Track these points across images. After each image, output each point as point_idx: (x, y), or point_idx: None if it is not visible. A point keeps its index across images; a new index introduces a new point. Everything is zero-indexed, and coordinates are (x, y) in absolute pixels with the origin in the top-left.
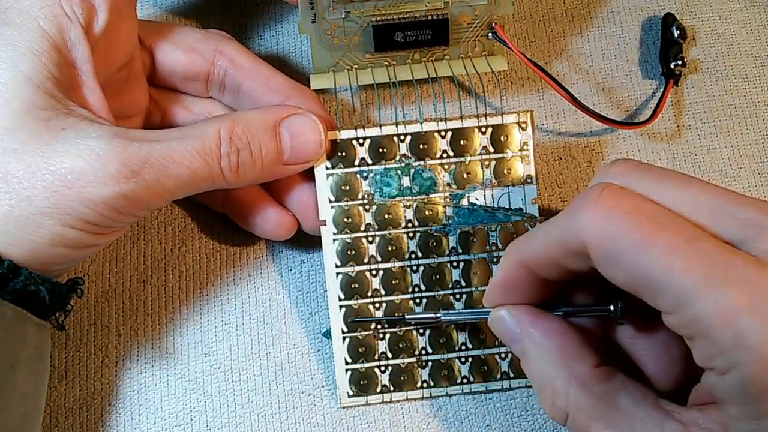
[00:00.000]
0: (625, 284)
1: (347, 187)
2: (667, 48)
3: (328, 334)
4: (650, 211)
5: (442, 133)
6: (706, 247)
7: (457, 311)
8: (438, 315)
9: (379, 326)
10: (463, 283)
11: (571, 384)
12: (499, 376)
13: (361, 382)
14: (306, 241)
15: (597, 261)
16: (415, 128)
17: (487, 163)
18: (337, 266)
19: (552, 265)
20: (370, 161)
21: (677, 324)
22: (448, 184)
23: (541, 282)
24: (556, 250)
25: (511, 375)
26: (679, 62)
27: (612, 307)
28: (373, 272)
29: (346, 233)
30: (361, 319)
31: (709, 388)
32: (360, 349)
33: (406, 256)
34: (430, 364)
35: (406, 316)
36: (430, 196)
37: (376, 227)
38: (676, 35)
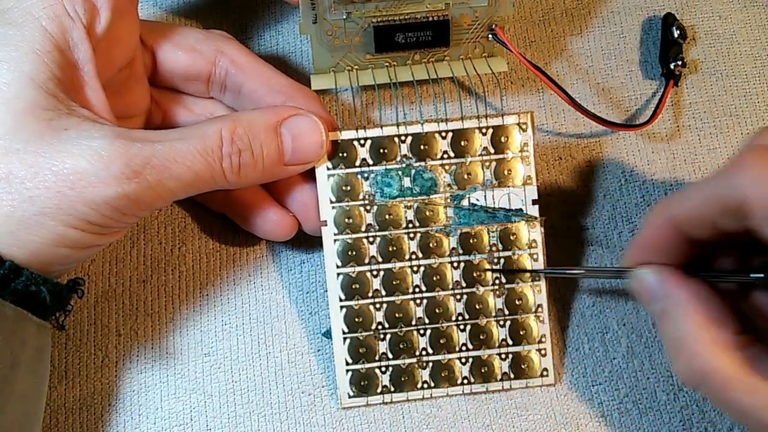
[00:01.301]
0: None
1: (348, 188)
2: (667, 48)
3: (328, 334)
4: None
5: (443, 134)
6: None
7: (599, 268)
8: (581, 270)
9: (380, 327)
10: (464, 284)
11: (714, 347)
12: (499, 376)
13: (362, 383)
14: (306, 241)
15: (759, 221)
16: (415, 129)
17: (487, 163)
18: (337, 267)
19: (704, 224)
20: (371, 162)
21: None
22: (449, 185)
23: (687, 242)
24: (712, 208)
25: (512, 376)
26: (679, 62)
27: (755, 276)
28: (374, 273)
29: (347, 234)
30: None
31: None
32: (360, 350)
33: (407, 257)
34: (430, 364)
35: (546, 270)
36: (431, 196)
37: (377, 228)
38: (676, 35)
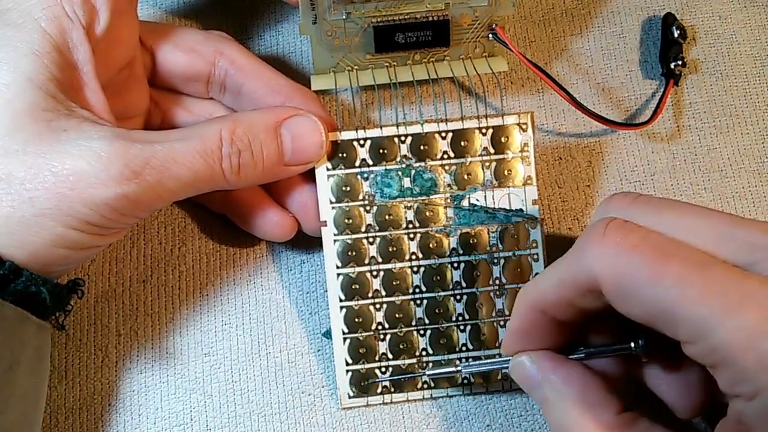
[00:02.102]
0: (642, 318)
1: (348, 188)
2: (667, 48)
3: (328, 334)
4: (657, 241)
5: (443, 134)
6: (718, 272)
7: (476, 363)
8: (459, 368)
9: (380, 328)
10: (464, 284)
11: (595, 431)
12: (499, 377)
13: (362, 383)
14: (306, 241)
15: (610, 297)
16: (415, 129)
17: (487, 164)
18: (337, 267)
19: (566, 306)
20: (370, 162)
21: (699, 354)
22: (449, 185)
23: (557, 324)
24: (569, 290)
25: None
26: (679, 62)
27: (633, 345)
28: (374, 273)
29: (347, 234)
30: (371, 381)
31: (737, 414)
32: (360, 350)
33: (407, 257)
34: (430, 365)
35: (426, 372)
36: (431, 197)
37: (377, 228)
38: (676, 35)
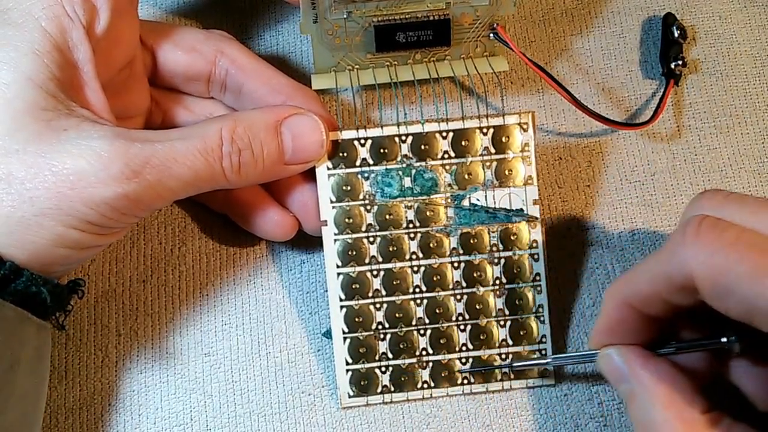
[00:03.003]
0: (740, 315)
1: (348, 188)
2: (667, 48)
3: (328, 334)
4: (754, 239)
5: (444, 134)
6: None
7: (565, 355)
8: (547, 360)
9: (380, 327)
10: (464, 284)
11: (679, 428)
12: (499, 377)
13: (362, 383)
14: (306, 241)
15: (708, 294)
16: (416, 129)
17: (488, 163)
18: (338, 267)
19: (658, 302)
20: (371, 162)
21: None
22: (450, 185)
23: (647, 320)
24: (662, 286)
25: (512, 376)
26: (680, 62)
27: (725, 339)
28: (374, 273)
29: (347, 234)
30: (479, 368)
31: None
32: (360, 350)
33: (407, 257)
34: (430, 364)
35: (514, 364)
36: (432, 196)
37: (377, 228)
38: (676, 35)
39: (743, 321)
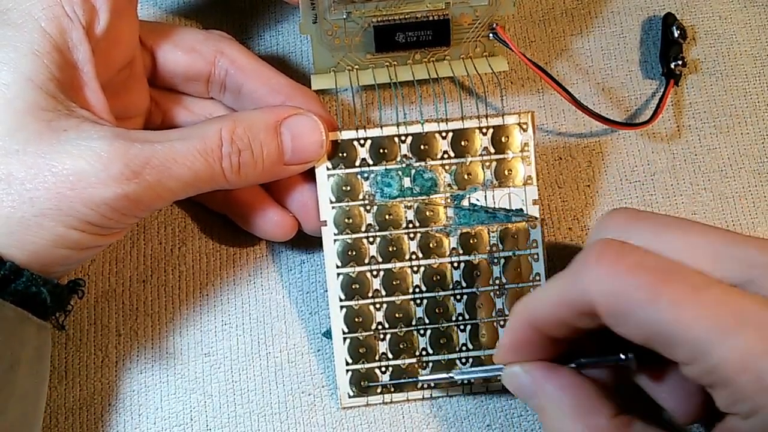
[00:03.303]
0: (639, 339)
1: (348, 188)
2: (667, 48)
3: (328, 334)
4: (653, 263)
5: (443, 134)
6: (714, 294)
7: (468, 369)
8: (450, 375)
9: (380, 327)
10: (464, 284)
11: None
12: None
13: (362, 383)
14: (306, 241)
15: (607, 320)
16: (416, 129)
17: (488, 163)
18: (337, 267)
19: (560, 325)
20: (371, 162)
21: (696, 374)
22: (449, 185)
23: (551, 340)
24: (564, 310)
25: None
26: (680, 62)
27: (624, 357)
28: (374, 273)
29: (347, 234)
30: (368, 385)
31: (732, 429)
32: (360, 350)
33: (407, 257)
34: (430, 365)
35: (419, 378)
36: (431, 196)
37: (377, 228)
38: (676, 35)
39: (644, 345)
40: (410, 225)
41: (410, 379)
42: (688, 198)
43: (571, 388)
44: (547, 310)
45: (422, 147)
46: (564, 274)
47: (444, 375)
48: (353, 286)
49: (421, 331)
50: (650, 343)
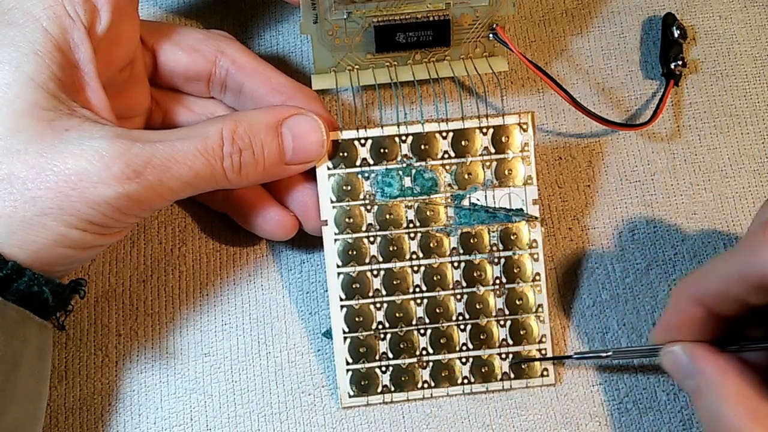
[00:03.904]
0: None
1: (349, 188)
2: (667, 48)
3: (328, 334)
4: None
5: (444, 134)
6: None
7: (627, 348)
8: (609, 353)
9: (380, 327)
10: (464, 284)
11: (749, 422)
12: (499, 376)
13: (362, 383)
14: (306, 241)
15: None
16: (416, 129)
17: (488, 163)
18: (338, 266)
19: (731, 301)
20: (371, 162)
21: None
22: (450, 185)
23: (715, 319)
24: (738, 285)
25: (512, 376)
26: (680, 62)
27: None
28: (375, 272)
29: (348, 233)
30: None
31: None
32: (361, 350)
33: (408, 257)
34: (430, 364)
35: (574, 355)
36: (432, 196)
37: (378, 227)
38: (676, 35)
39: None
40: (411, 225)
41: (566, 356)
42: (688, 198)
43: (733, 372)
44: (718, 285)
45: (423, 147)
46: (737, 249)
47: (601, 353)
48: (354, 286)
49: (422, 331)
50: None
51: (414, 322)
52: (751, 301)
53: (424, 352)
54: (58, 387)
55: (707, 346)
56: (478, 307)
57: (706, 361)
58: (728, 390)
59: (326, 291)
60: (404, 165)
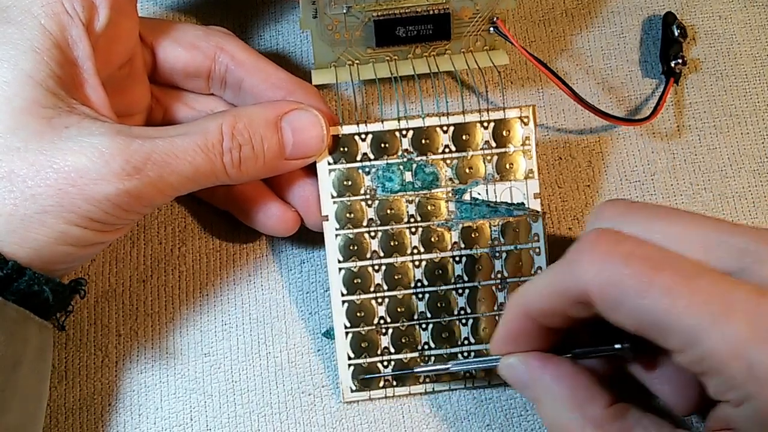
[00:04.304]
0: (632, 328)
1: (349, 183)
2: (667, 47)
3: (328, 334)
4: (646, 252)
5: (444, 128)
6: (706, 282)
7: (466, 360)
8: (447, 366)
9: (382, 322)
10: (466, 278)
11: (586, 426)
12: None
13: (364, 377)
14: (306, 240)
15: (601, 309)
16: (417, 123)
17: (489, 157)
18: (339, 261)
19: (555, 315)
20: (372, 156)
21: (688, 362)
22: (451, 179)
23: (546, 330)
24: (558, 300)
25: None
26: (680, 61)
27: (619, 346)
28: (376, 267)
29: (349, 228)
30: (370, 377)
31: (725, 417)
32: (363, 344)
33: (409, 251)
34: (432, 359)
35: (415, 370)
36: (433, 191)
37: (379, 222)
38: (676, 34)
39: (637, 333)
40: (412, 219)
41: (407, 371)
42: (688, 198)
43: (567, 377)
44: (541, 300)
45: (423, 141)
46: (558, 263)
47: (441, 366)
48: (355, 281)
49: (423, 326)
50: (643, 332)
51: (415, 317)
52: (574, 315)
53: (425, 347)
54: (58, 387)
55: (542, 355)
56: (479, 301)
57: (540, 369)
58: (561, 396)
59: (326, 291)
60: (405, 160)
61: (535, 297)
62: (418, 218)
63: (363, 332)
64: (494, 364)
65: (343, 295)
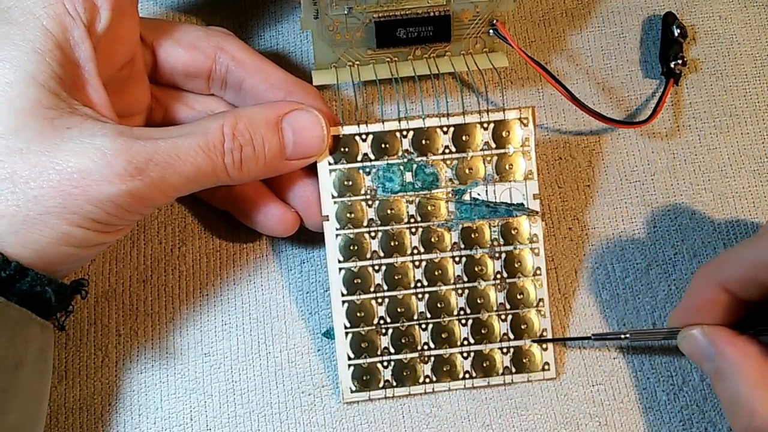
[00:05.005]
0: None
1: (350, 183)
2: (667, 47)
3: (328, 334)
4: None
5: (444, 129)
6: None
7: (646, 330)
8: (627, 334)
9: (381, 322)
10: (466, 279)
11: None
12: (501, 371)
13: (364, 378)
14: (306, 240)
15: None
16: (417, 124)
17: (488, 158)
18: (339, 262)
19: (757, 286)
20: (372, 157)
21: None
22: (450, 180)
23: (737, 303)
24: (763, 270)
25: (513, 370)
26: (680, 61)
27: None
28: (376, 267)
29: (349, 229)
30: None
31: None
32: (363, 345)
33: (409, 252)
34: (432, 359)
35: (592, 336)
36: (433, 191)
37: (379, 223)
38: (676, 34)
39: None
40: (412, 220)
41: (586, 337)
42: (688, 198)
43: (754, 354)
44: (744, 270)
45: (424, 142)
46: (760, 235)
47: (620, 335)
48: (355, 281)
49: (423, 326)
50: None
51: (415, 317)
52: None
53: (425, 347)
54: (58, 387)
55: (727, 330)
56: (479, 301)
57: (726, 344)
58: (749, 372)
59: (326, 291)
60: (405, 160)
61: (733, 267)
62: (418, 218)
63: (363, 332)
64: (672, 338)
65: (343, 295)
